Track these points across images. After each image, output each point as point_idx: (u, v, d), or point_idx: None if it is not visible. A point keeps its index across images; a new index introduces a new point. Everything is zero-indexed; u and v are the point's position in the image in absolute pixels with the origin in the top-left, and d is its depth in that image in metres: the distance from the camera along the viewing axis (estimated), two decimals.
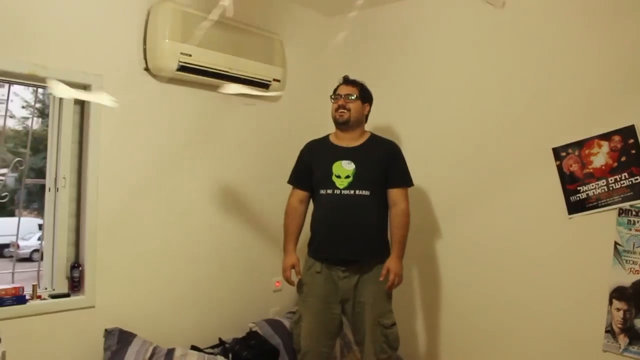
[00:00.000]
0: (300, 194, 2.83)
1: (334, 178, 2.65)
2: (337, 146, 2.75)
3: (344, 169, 2.65)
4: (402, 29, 3.48)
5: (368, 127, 2.87)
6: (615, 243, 2.53)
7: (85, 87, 2.65)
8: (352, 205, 2.61)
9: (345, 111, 2.69)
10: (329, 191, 2.65)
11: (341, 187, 2.63)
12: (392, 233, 2.68)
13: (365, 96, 2.79)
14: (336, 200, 2.63)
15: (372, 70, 3.34)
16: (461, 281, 3.13)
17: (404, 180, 2.73)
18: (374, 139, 2.80)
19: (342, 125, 2.73)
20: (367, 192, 2.62)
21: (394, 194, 2.69)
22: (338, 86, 2.81)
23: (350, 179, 2.63)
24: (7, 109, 2.67)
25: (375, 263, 2.64)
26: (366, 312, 2.61)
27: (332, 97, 2.78)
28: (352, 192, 2.62)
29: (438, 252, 3.26)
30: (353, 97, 2.71)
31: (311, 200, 2.83)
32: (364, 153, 2.70)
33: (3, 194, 2.58)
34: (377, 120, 3.08)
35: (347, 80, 2.80)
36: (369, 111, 2.83)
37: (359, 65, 3.45)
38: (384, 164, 2.69)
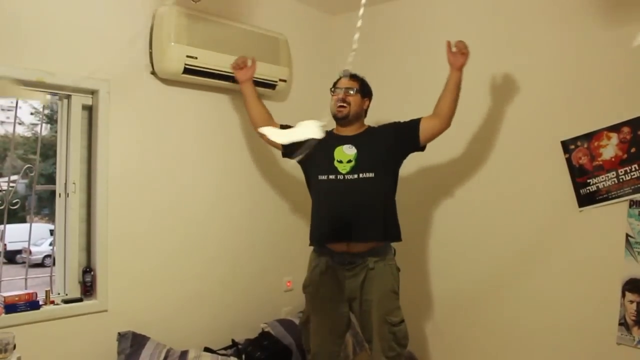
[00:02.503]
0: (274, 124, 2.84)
1: (336, 163, 2.63)
2: (338, 134, 2.74)
3: (346, 153, 2.63)
4: (407, 25, 3.48)
5: (372, 123, 2.86)
6: (627, 235, 2.52)
7: (92, 93, 2.67)
8: (357, 189, 2.58)
9: (344, 105, 2.67)
10: (331, 177, 2.62)
11: (344, 172, 2.60)
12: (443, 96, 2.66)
13: (365, 91, 2.77)
14: (339, 186, 2.60)
15: (378, 67, 3.33)
16: (471, 276, 3.12)
17: (416, 119, 2.69)
18: (373, 128, 2.79)
19: (341, 120, 2.72)
20: (371, 174, 2.58)
21: (427, 118, 2.66)
22: (338, 79, 2.79)
23: (352, 163, 2.60)
24: (16, 116, 2.68)
25: (381, 257, 2.60)
26: (373, 309, 2.58)
27: (332, 90, 2.77)
28: (355, 176, 2.58)
29: (447, 247, 3.26)
30: (353, 91, 2.69)
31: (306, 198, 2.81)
32: (364, 138, 2.69)
33: (14, 201, 2.59)
34: (382, 117, 3.07)
35: (347, 74, 2.78)
36: (368, 106, 2.81)
37: (364, 63, 3.44)
38: (390, 139, 2.67)
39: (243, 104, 2.96)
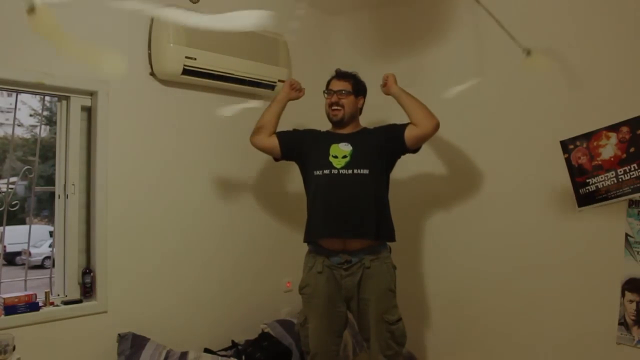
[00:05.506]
0: (274, 138, 2.80)
1: (331, 158, 2.63)
2: (335, 133, 2.76)
3: (341, 149, 2.64)
4: (406, 27, 3.48)
5: (372, 124, 2.86)
6: (626, 235, 2.51)
7: (91, 94, 2.67)
8: (351, 184, 2.58)
9: (338, 108, 2.69)
10: (326, 171, 2.62)
11: (339, 166, 2.60)
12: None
13: (359, 89, 2.77)
14: (334, 180, 2.60)
15: (377, 69, 3.33)
16: (470, 275, 3.12)
17: (406, 123, 2.68)
18: (368, 129, 2.80)
19: (336, 123, 2.74)
20: (366, 171, 2.58)
21: (409, 127, 2.63)
22: (330, 80, 2.79)
23: (347, 159, 2.61)
24: (15, 118, 2.68)
25: (378, 256, 2.60)
26: (370, 308, 2.58)
27: (325, 92, 2.77)
28: (350, 171, 2.59)
29: (446, 246, 3.26)
30: (346, 92, 2.70)
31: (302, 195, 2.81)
32: (360, 137, 2.70)
33: (13, 202, 2.59)
34: (382, 119, 3.08)
35: (339, 74, 2.78)
36: (363, 104, 2.82)
37: (363, 64, 3.45)
38: (382, 140, 2.67)
39: (266, 108, 2.92)
